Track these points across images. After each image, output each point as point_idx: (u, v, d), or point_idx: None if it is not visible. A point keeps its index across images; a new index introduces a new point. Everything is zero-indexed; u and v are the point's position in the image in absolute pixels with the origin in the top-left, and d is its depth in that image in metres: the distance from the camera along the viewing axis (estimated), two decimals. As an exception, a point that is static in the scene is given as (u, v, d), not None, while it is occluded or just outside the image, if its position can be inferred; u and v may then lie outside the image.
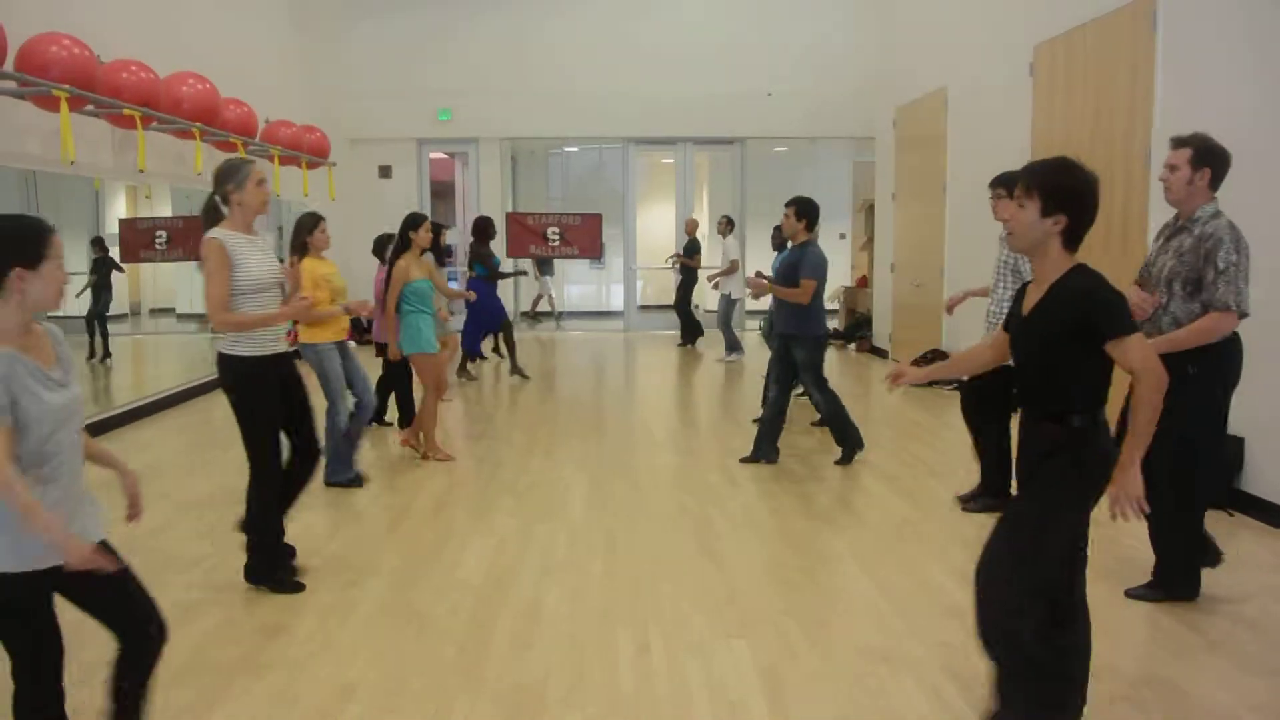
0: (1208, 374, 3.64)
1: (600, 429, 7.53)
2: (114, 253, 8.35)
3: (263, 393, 3.93)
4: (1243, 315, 3.54)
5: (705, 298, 13.41)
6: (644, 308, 14.85)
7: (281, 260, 4.38)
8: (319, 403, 4.59)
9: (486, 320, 9.75)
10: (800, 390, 6.72)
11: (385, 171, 13.76)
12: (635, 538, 4.77)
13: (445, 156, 15.30)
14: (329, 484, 5.53)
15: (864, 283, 13.31)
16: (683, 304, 12.83)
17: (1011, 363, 2.83)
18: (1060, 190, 2.56)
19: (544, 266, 15.72)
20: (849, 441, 6.18)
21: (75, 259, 7.94)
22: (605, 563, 4.41)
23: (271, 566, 4.05)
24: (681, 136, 14.13)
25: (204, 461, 6.37)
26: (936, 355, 9.20)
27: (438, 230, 8.44)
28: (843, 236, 16.32)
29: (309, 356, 5.39)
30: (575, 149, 16.96)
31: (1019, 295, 2.80)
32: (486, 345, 10.65)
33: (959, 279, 8.06)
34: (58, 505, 2.26)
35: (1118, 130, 6.31)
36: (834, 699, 3.12)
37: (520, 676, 3.28)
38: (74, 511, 2.32)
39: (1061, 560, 2.68)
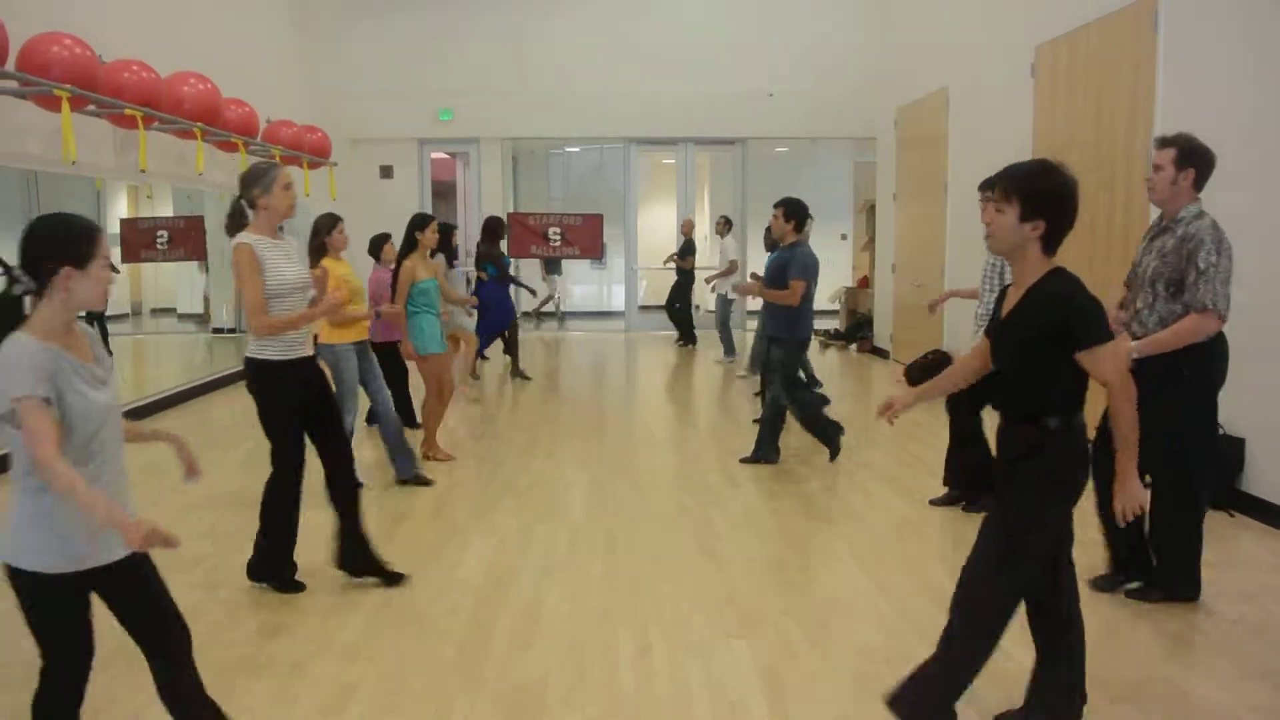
0: (1198, 374, 3.65)
1: (601, 429, 7.53)
2: (114, 253, 8.35)
3: (285, 394, 3.91)
4: (1222, 318, 3.51)
5: (705, 298, 13.42)
6: (645, 308, 14.85)
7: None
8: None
9: (498, 320, 9.76)
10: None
11: (386, 171, 13.77)
12: (636, 538, 4.77)
13: (446, 156, 15.31)
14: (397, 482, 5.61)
15: (865, 283, 13.31)
16: (674, 304, 12.84)
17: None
18: (1039, 194, 2.54)
19: (551, 266, 15.74)
20: (828, 440, 6.19)
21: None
22: (606, 563, 4.41)
23: (278, 566, 4.04)
24: (682, 137, 14.13)
25: (204, 462, 6.30)
26: (937, 355, 9.18)
27: (449, 231, 8.44)
28: (844, 237, 16.33)
29: (326, 357, 5.38)
30: (576, 149, 16.97)
31: (1000, 299, 2.78)
32: (495, 345, 10.63)
33: (960, 279, 8.05)
34: (89, 522, 2.24)
35: (1119, 130, 6.31)
36: (834, 699, 3.12)
37: (520, 676, 3.28)
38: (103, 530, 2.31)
39: (1044, 562, 2.67)
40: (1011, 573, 2.61)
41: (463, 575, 4.24)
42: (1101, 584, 3.91)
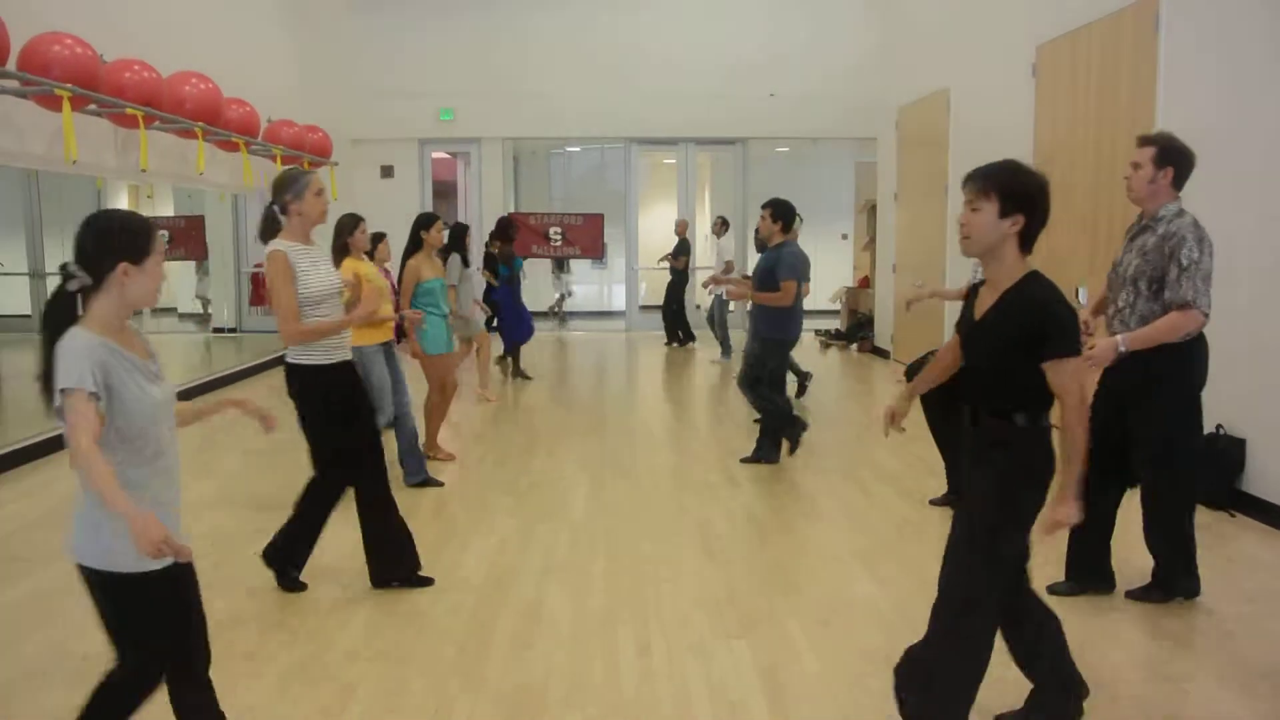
0: (1180, 375, 3.65)
1: (601, 429, 7.53)
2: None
3: (330, 400, 3.90)
4: (1205, 314, 3.52)
5: (703, 298, 13.42)
6: (645, 308, 14.86)
7: None
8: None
9: (523, 330, 9.77)
10: (797, 390, 6.74)
11: (387, 171, 13.78)
12: (636, 538, 4.77)
13: (447, 156, 15.31)
14: (408, 484, 5.57)
15: (866, 283, 13.30)
16: (670, 305, 12.84)
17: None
18: (1018, 190, 2.54)
19: (561, 264, 15.77)
20: (790, 435, 6.20)
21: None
22: (606, 563, 4.41)
23: (291, 557, 4.04)
24: (683, 137, 14.13)
25: (204, 463, 6.38)
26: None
27: (464, 231, 8.44)
28: (845, 237, 16.33)
29: (354, 359, 5.39)
30: (577, 149, 16.97)
31: (970, 296, 2.76)
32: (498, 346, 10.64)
33: (961, 279, 8.05)
34: (162, 505, 2.25)
35: (1120, 131, 6.31)
36: (835, 700, 3.12)
37: (521, 676, 3.28)
38: (175, 520, 2.32)
39: (1018, 559, 2.66)
40: (996, 566, 2.60)
41: (463, 575, 4.24)
42: (1059, 589, 3.91)
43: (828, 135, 13.87)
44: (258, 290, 11.62)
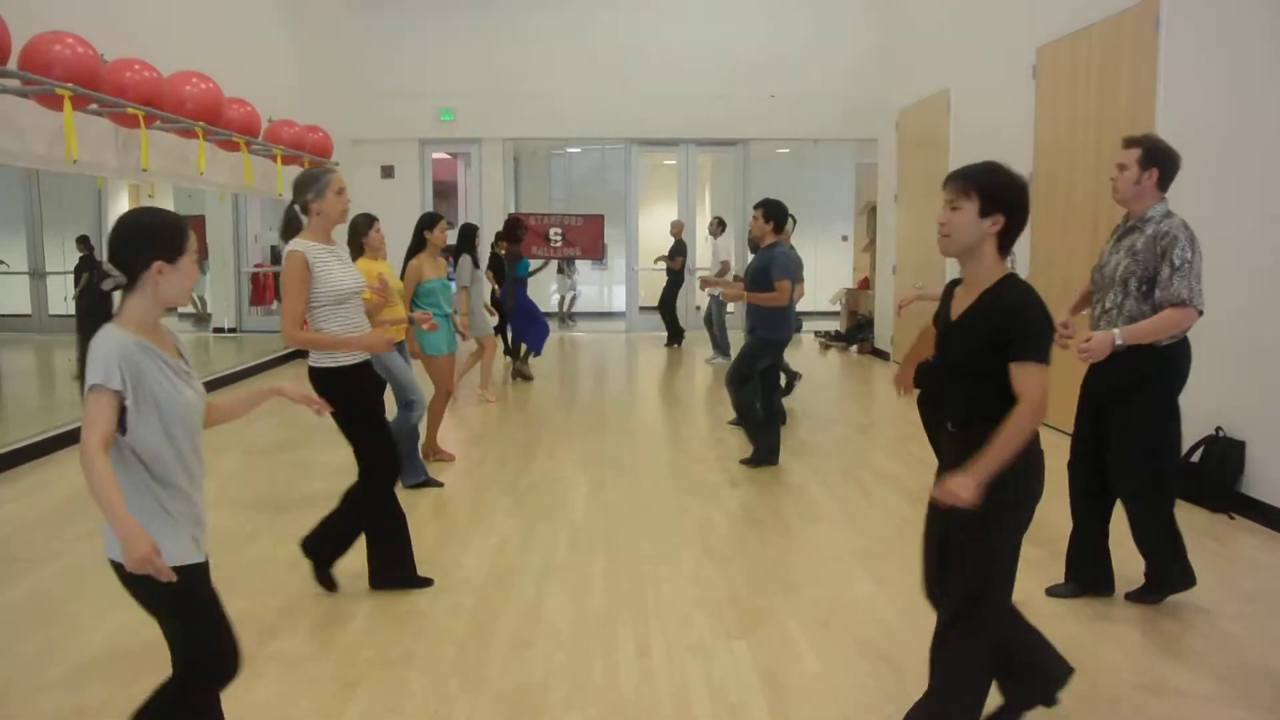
0: (1166, 375, 3.67)
1: (601, 429, 7.53)
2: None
3: (360, 396, 3.89)
4: (1200, 312, 3.54)
5: (701, 299, 13.44)
6: (646, 309, 14.88)
7: None
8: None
9: (540, 331, 9.77)
10: (785, 389, 6.73)
11: (388, 172, 13.78)
12: (636, 538, 4.77)
13: (448, 157, 15.32)
14: (406, 486, 5.52)
15: (866, 284, 13.31)
16: (666, 305, 12.86)
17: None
18: (998, 190, 2.52)
19: (566, 265, 15.80)
20: (760, 444, 6.18)
21: (71, 259, 7.94)
22: (606, 563, 4.41)
23: (333, 552, 4.01)
24: (684, 138, 14.13)
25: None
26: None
27: (473, 232, 8.44)
28: (845, 238, 16.35)
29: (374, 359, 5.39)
30: (577, 150, 16.98)
31: (946, 294, 2.74)
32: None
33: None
34: (190, 504, 2.26)
35: (1120, 133, 6.26)
36: (835, 700, 3.12)
37: (521, 676, 3.28)
38: (197, 520, 2.31)
39: (1011, 564, 2.62)
40: (1002, 572, 2.59)
41: (463, 575, 4.24)
42: (1059, 591, 3.92)
43: (828, 136, 13.88)
44: (258, 290, 11.63)
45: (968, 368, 2.57)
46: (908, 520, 5.04)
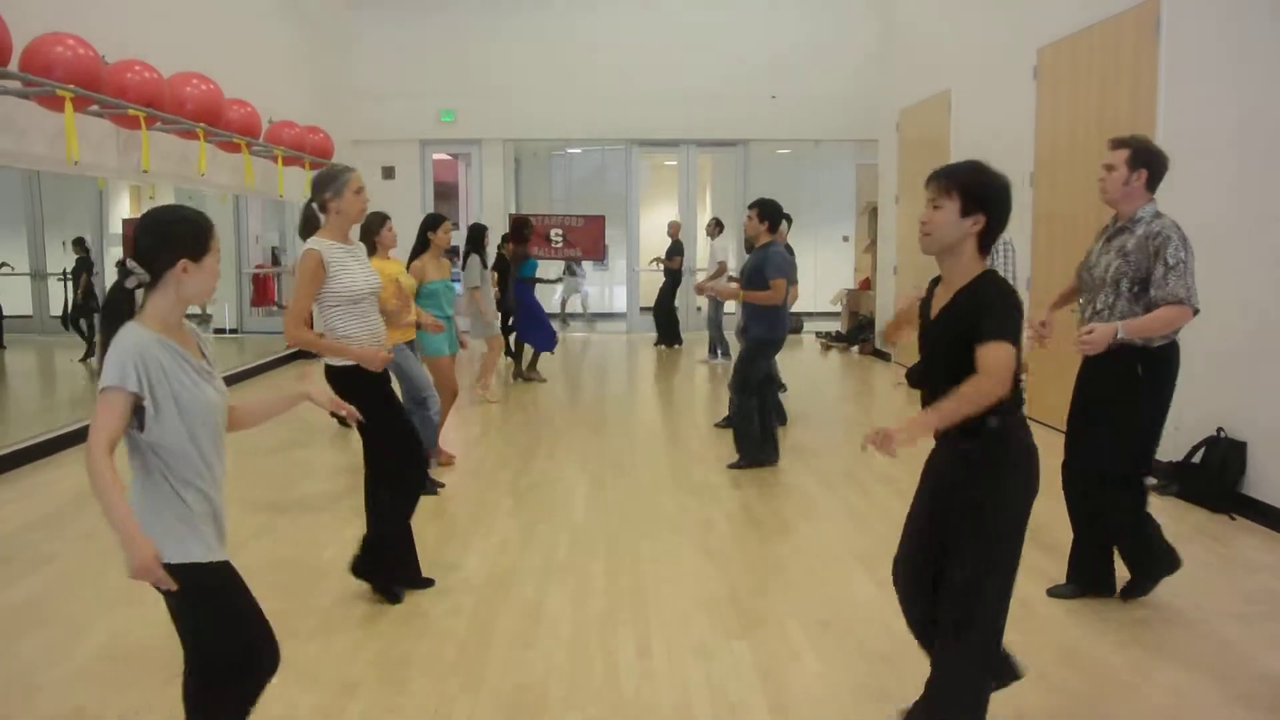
0: (1157, 378, 3.68)
1: (602, 430, 7.53)
2: (118, 252, 8.37)
3: (372, 395, 3.86)
4: (1195, 311, 3.54)
5: (703, 300, 13.44)
6: (647, 309, 14.88)
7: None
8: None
9: (541, 335, 9.78)
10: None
11: (388, 172, 13.79)
12: (636, 538, 4.77)
13: (448, 158, 15.32)
14: None
15: (867, 285, 13.31)
16: (663, 306, 12.87)
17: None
18: (980, 189, 2.52)
19: (573, 266, 15.82)
20: (749, 452, 6.16)
21: (69, 259, 7.94)
22: (606, 563, 4.41)
23: (377, 565, 3.96)
24: (684, 138, 14.14)
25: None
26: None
27: (482, 232, 8.44)
28: (846, 239, 16.34)
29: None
30: (578, 150, 16.98)
31: (929, 291, 2.73)
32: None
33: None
34: (211, 505, 2.22)
35: (1121, 133, 6.30)
36: (835, 700, 3.12)
37: (521, 676, 3.28)
38: (217, 520, 2.27)
39: (1009, 564, 2.61)
40: (1000, 573, 2.58)
41: (464, 575, 4.24)
42: (1060, 591, 3.92)
43: (829, 137, 13.88)
44: (259, 291, 11.63)
45: (946, 365, 2.56)
46: (908, 521, 5.03)
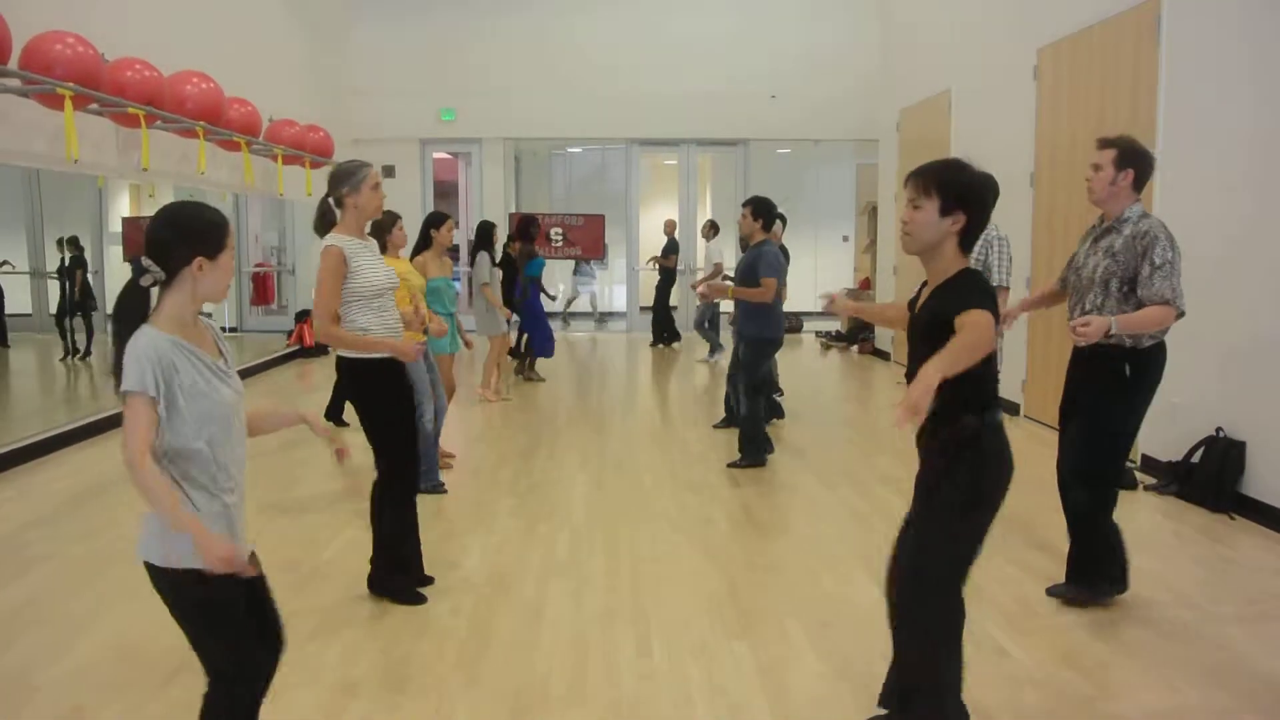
0: (1141, 378, 3.68)
1: (602, 429, 7.53)
2: (117, 251, 8.37)
3: (384, 392, 3.85)
4: (1180, 313, 3.54)
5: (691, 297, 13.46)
6: (646, 309, 14.88)
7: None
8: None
9: (542, 337, 9.77)
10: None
11: (389, 171, 13.76)
12: (636, 538, 4.77)
13: (449, 157, 15.32)
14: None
15: (866, 285, 13.32)
16: (659, 305, 12.87)
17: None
18: (959, 188, 2.52)
19: (580, 266, 15.82)
20: (750, 454, 6.16)
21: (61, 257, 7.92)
22: (606, 563, 4.41)
23: (390, 572, 3.93)
24: (684, 138, 14.14)
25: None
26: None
27: (490, 229, 8.41)
28: (846, 239, 16.35)
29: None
30: (578, 150, 16.98)
31: (919, 291, 2.73)
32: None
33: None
34: (229, 509, 2.20)
35: (1121, 133, 6.31)
36: (836, 700, 3.11)
37: (521, 676, 3.28)
38: (237, 520, 2.25)
39: (969, 561, 2.64)
40: (946, 562, 2.63)
41: (464, 575, 4.24)
42: (1058, 591, 3.91)
43: (829, 137, 13.89)
44: (259, 290, 11.63)
45: (928, 358, 2.55)
46: (908, 521, 5.03)
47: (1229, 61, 5.30)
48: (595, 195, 16.38)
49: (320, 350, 11.68)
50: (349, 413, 7.11)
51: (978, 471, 2.56)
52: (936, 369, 2.28)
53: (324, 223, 3.85)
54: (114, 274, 8.29)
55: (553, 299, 12.33)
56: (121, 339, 2.10)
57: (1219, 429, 5.23)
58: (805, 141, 14.32)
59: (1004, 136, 7.92)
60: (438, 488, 5.51)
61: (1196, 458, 5.30)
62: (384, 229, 5.51)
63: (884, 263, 11.73)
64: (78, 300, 8.00)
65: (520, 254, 9.69)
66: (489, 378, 8.68)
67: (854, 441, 7.17)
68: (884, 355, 11.56)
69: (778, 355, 6.71)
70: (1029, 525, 4.75)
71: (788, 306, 6.40)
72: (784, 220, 6.49)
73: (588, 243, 13.81)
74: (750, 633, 3.62)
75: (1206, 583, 4.04)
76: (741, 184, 14.17)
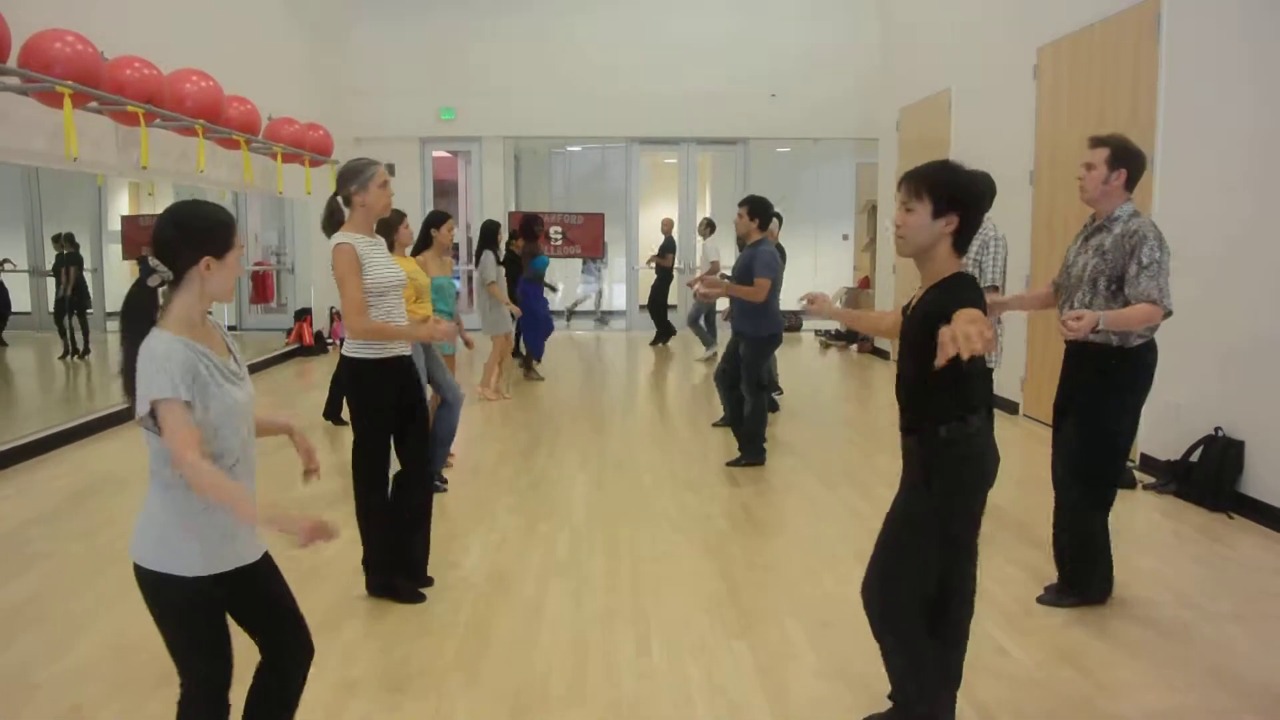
0: (1132, 377, 3.68)
1: (602, 428, 7.53)
2: (116, 249, 8.36)
3: (379, 394, 3.84)
4: (1167, 313, 3.55)
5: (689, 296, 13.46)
6: (646, 307, 14.88)
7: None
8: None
9: (546, 328, 9.75)
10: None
11: (388, 170, 13.74)
12: (636, 537, 4.77)
13: (448, 155, 15.31)
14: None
15: (866, 284, 13.31)
16: (656, 304, 12.88)
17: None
18: (951, 190, 2.50)
19: (586, 265, 15.82)
20: (751, 452, 6.17)
21: (53, 255, 7.91)
22: (606, 562, 4.41)
23: (381, 574, 3.93)
24: (684, 136, 14.13)
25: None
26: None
27: (495, 228, 8.40)
28: (845, 238, 16.33)
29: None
30: (578, 148, 16.97)
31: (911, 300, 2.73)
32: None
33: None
34: (216, 526, 2.16)
35: (1121, 132, 6.31)
36: (836, 700, 3.12)
37: (521, 676, 3.28)
38: (230, 529, 2.20)
39: (941, 562, 2.68)
40: (911, 562, 2.77)
41: (464, 574, 4.24)
42: (1048, 600, 3.89)
43: (829, 136, 13.89)
44: (258, 288, 11.62)
45: (916, 359, 2.54)
46: (908, 520, 5.03)
47: (1229, 61, 5.30)
48: (595, 194, 16.37)
49: (319, 349, 11.68)
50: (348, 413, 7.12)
51: (943, 481, 2.58)
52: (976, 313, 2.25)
53: (332, 221, 3.85)
54: (113, 272, 8.29)
55: (554, 290, 12.32)
56: (129, 340, 2.08)
57: (1218, 428, 5.23)
58: (805, 140, 14.31)
59: (1004, 136, 7.92)
60: (438, 487, 5.51)
61: (1195, 457, 5.30)
62: (391, 227, 5.50)
63: (883, 261, 11.73)
64: (71, 297, 7.99)
65: (524, 252, 9.70)
66: (489, 376, 8.67)
67: (854, 441, 7.17)
68: (883, 355, 11.56)
69: (777, 353, 6.71)
70: (1029, 525, 4.75)
71: (785, 306, 6.39)
72: (780, 219, 6.49)
73: (587, 242, 13.81)
74: (750, 632, 3.63)
75: (1205, 582, 4.04)
76: (741, 183, 14.17)
